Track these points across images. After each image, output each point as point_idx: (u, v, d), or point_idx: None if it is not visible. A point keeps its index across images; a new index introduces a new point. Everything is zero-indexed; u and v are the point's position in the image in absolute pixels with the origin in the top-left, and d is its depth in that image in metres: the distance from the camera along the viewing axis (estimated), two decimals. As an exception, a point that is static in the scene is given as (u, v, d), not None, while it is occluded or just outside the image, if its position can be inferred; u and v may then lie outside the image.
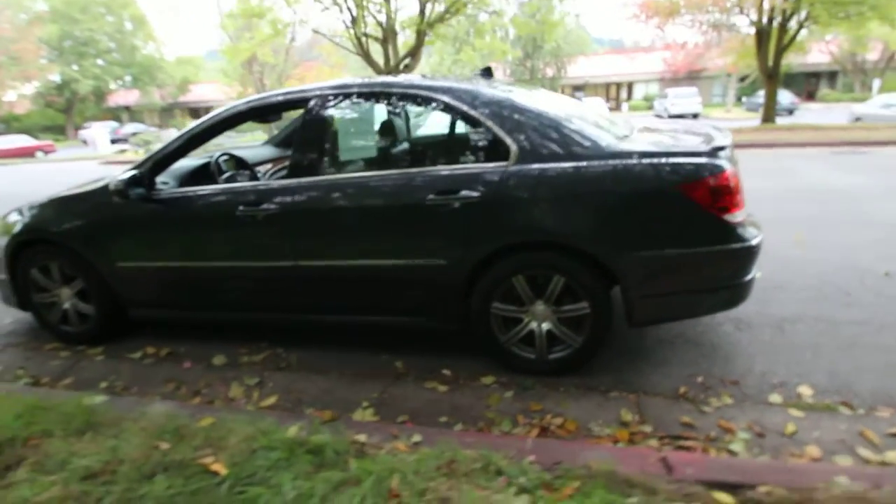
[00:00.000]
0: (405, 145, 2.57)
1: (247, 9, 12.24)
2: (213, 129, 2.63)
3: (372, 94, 2.45)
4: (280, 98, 2.55)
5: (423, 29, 11.79)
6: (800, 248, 4.05)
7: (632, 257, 2.19)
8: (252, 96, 2.64)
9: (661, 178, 2.14)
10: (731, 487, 1.65)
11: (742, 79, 28.30)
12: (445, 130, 2.48)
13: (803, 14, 11.22)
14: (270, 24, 12.09)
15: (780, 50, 11.71)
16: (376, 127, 2.50)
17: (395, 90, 2.42)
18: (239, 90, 28.39)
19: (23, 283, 2.98)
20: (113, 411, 2.09)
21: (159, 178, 2.73)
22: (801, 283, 3.38)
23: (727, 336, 2.79)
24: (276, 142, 4.09)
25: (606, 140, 2.25)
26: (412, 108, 2.48)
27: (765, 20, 11.71)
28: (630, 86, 37.04)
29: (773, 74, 12.26)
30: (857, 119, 15.60)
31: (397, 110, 2.54)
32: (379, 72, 12.48)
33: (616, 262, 2.20)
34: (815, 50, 18.33)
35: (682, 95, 25.80)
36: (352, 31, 11.94)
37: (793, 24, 11.53)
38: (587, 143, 2.21)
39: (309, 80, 28.48)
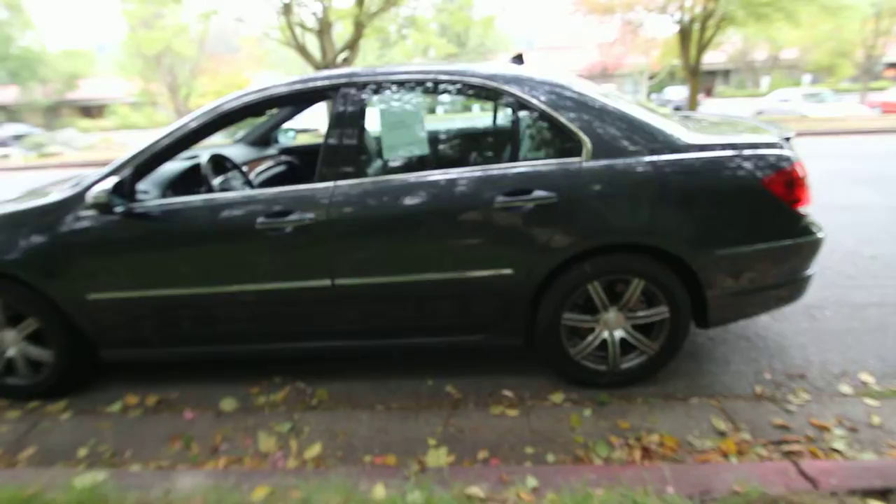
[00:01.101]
0: (464, 141, 2.24)
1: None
2: (225, 120, 2.15)
3: (422, 83, 2.10)
4: (320, 83, 2.13)
5: (362, 20, 11.24)
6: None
7: (714, 255, 2.05)
8: (292, 78, 2.17)
9: (742, 170, 2.03)
10: (880, 494, 1.56)
11: (651, 77, 30.30)
12: (506, 124, 2.20)
13: (720, 14, 12.13)
14: (201, 15, 10.85)
15: (702, 48, 12.62)
16: (428, 120, 2.16)
17: (449, 79, 2.09)
18: (141, 86, 25.72)
19: (-55, 328, 2.30)
20: (128, 494, 1.61)
21: (139, 186, 2.20)
22: (806, 269, 3.47)
23: (769, 328, 2.77)
24: (250, 140, 3.57)
25: (678, 133, 2.09)
26: (470, 100, 2.17)
27: (687, 19, 12.54)
28: (549, 83, 38.23)
29: (696, 71, 13.21)
30: (760, 112, 17.19)
31: (452, 102, 2.21)
32: (316, 66, 11.73)
33: (698, 260, 2.05)
34: (713, 50, 20.05)
35: (601, 92, 27.01)
36: (284, 21, 11.10)
37: (712, 23, 12.42)
38: (661, 136, 2.04)
39: (225, 75, 26.50)
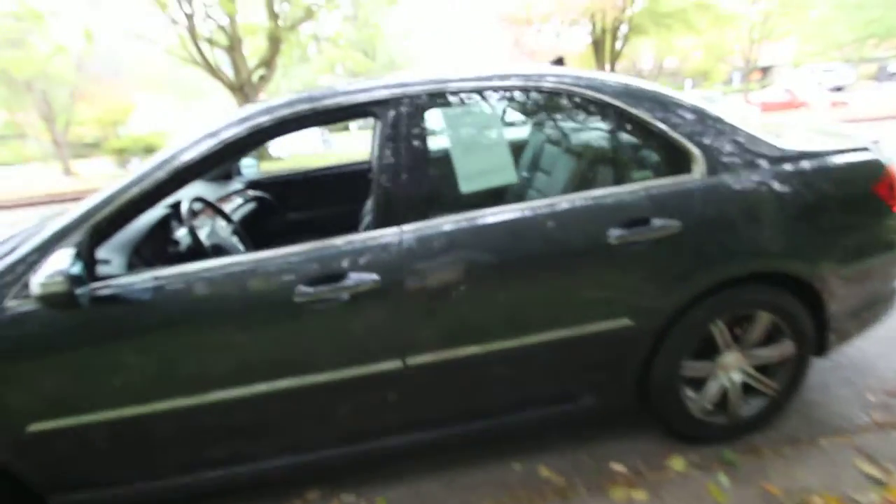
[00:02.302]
0: (553, 162, 1.79)
1: (29, 10, 9.11)
2: (235, 148, 1.54)
3: (498, 92, 1.63)
4: (364, 97, 1.57)
5: (278, 35, 10.37)
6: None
7: (837, 274, 1.79)
8: (327, 89, 1.59)
9: (853, 177, 1.80)
10: None
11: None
12: (602, 138, 1.78)
13: (629, 25, 12.92)
14: (85, 32, 9.21)
15: (615, 58, 13.32)
16: (509, 137, 1.68)
17: (530, 86, 1.65)
18: (6, 117, 22.21)
19: None
20: None
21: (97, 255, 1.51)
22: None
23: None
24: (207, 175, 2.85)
25: (776, 140, 1.81)
26: (553, 110, 1.74)
27: (599, 30, 13.17)
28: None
29: (611, 79, 13.77)
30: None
31: (533, 113, 1.75)
32: (229, 85, 10.63)
33: (825, 282, 1.78)
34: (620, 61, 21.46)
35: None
36: (188, 36, 9.89)
37: (621, 34, 13.18)
38: (767, 145, 1.75)
39: (109, 100, 23.67)
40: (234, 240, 2.10)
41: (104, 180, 13.70)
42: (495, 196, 1.62)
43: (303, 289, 1.45)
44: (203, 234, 1.87)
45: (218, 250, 1.87)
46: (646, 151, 1.74)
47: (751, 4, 15.91)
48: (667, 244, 1.61)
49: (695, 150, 1.68)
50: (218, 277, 1.47)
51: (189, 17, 9.75)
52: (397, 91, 1.57)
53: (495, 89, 1.63)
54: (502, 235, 1.56)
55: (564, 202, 1.61)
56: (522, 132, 1.82)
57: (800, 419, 2.05)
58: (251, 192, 2.97)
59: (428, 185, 1.54)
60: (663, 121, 1.69)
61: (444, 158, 1.59)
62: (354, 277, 1.46)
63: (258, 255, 1.50)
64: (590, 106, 1.69)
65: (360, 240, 1.51)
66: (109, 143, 20.60)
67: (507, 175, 1.58)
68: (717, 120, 1.74)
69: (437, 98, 1.60)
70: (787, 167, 1.73)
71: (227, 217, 2.20)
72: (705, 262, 1.65)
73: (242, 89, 10.59)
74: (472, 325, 1.58)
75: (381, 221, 1.53)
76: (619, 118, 1.70)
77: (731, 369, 1.86)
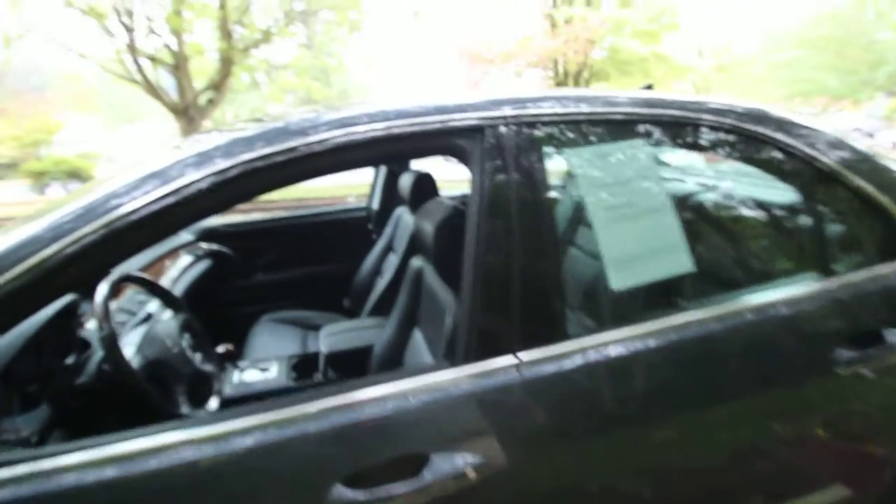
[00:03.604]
0: (725, 239, 1.18)
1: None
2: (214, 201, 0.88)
3: (655, 126, 1.02)
4: (458, 120, 0.91)
5: (231, 56, 9.49)
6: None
7: None
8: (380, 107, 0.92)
9: None
10: None
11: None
12: (788, 201, 1.19)
13: (591, 70, 13.18)
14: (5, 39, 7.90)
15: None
16: (669, 198, 1.04)
17: (685, 116, 1.05)
18: None
19: None
20: None
21: None
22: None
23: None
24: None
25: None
26: (724, 155, 1.14)
27: (562, 72, 13.35)
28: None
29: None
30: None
31: (697, 163, 1.15)
32: (173, 108, 9.56)
33: None
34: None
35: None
36: (126, 50, 8.82)
37: (582, 78, 13.42)
38: None
39: (31, 118, 21.43)
40: (185, 343, 1.29)
41: (13, 208, 11.96)
42: (653, 295, 0.99)
43: (342, 492, 0.73)
44: (131, 344, 1.10)
45: (159, 371, 1.09)
46: (853, 222, 1.18)
47: (701, 59, 16.97)
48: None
49: (902, 218, 1.14)
50: (165, 470, 0.72)
51: (129, 29, 8.74)
52: (490, 116, 0.91)
53: (655, 122, 1.02)
54: (678, 365, 0.93)
55: (764, 304, 1.00)
56: (677, 191, 1.22)
57: None
58: (205, 246, 2.18)
59: (559, 278, 0.89)
60: (865, 177, 1.14)
61: (576, 236, 0.95)
62: (441, 464, 0.76)
63: (250, 418, 0.77)
64: (774, 154, 1.11)
65: (439, 383, 0.82)
66: (28, 165, 18.58)
67: (678, 261, 0.95)
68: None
69: (563, 135, 0.96)
70: None
71: (172, 300, 1.40)
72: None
73: (187, 112, 9.55)
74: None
75: (477, 344, 0.84)
76: (819, 175, 1.13)
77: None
